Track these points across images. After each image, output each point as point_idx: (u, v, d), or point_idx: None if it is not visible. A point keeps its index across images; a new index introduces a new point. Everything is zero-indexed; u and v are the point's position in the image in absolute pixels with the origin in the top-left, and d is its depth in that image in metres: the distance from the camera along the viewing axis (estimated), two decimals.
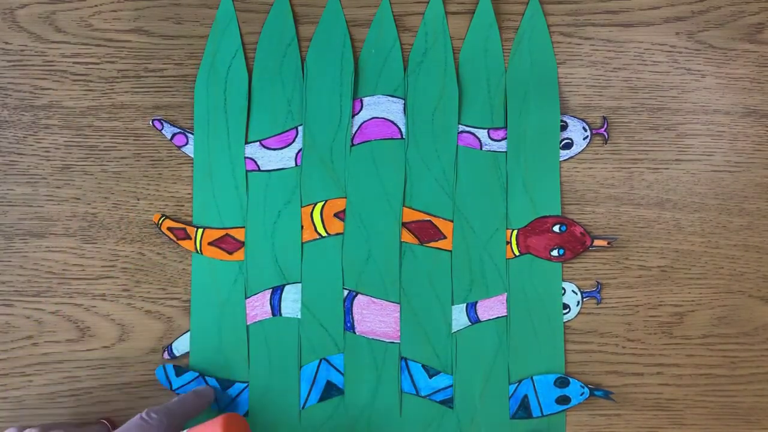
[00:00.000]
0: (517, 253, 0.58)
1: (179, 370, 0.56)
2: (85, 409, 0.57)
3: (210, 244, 0.57)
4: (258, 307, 0.57)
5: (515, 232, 0.58)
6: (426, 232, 0.58)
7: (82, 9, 0.59)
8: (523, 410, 0.57)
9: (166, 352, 0.57)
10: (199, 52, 0.59)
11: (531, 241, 0.58)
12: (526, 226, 0.58)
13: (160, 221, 0.57)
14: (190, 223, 0.58)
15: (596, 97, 0.59)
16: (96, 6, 0.59)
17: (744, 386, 0.59)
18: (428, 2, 0.59)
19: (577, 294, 0.58)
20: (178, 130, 0.58)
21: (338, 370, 0.57)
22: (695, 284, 0.59)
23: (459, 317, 0.57)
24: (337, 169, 0.58)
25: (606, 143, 0.59)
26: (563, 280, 0.58)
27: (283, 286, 0.57)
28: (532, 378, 0.57)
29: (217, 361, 0.57)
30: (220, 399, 0.56)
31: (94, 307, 0.58)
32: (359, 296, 0.57)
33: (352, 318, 0.57)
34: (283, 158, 0.58)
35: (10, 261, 0.58)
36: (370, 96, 0.59)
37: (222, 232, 0.58)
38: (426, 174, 0.58)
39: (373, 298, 0.57)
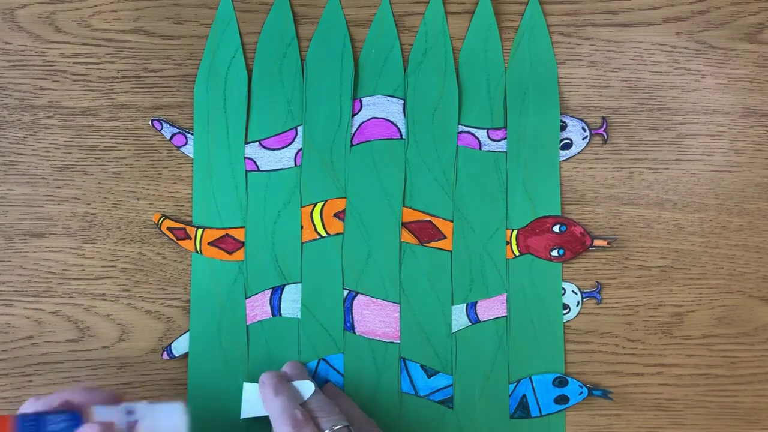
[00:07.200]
0: (517, 254, 0.58)
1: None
2: None
3: (210, 244, 0.57)
4: (258, 307, 0.57)
5: (515, 232, 0.58)
6: (426, 232, 0.58)
7: (82, 9, 0.59)
8: (522, 410, 0.57)
9: (165, 352, 0.57)
10: (199, 52, 0.59)
11: (531, 242, 0.58)
12: (526, 227, 0.58)
13: (160, 221, 0.57)
14: (189, 223, 0.58)
15: (596, 97, 0.59)
16: (96, 6, 0.59)
17: (744, 386, 0.58)
18: (428, 2, 0.59)
19: (577, 294, 0.58)
20: (178, 130, 0.58)
21: (337, 371, 0.57)
22: (695, 284, 0.59)
23: (459, 317, 0.57)
24: (336, 169, 0.58)
25: (605, 143, 0.59)
26: (563, 280, 0.58)
27: (283, 286, 0.57)
28: (530, 378, 0.57)
29: (217, 361, 0.57)
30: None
31: (94, 307, 0.58)
32: (359, 296, 0.57)
33: (352, 318, 0.57)
34: (282, 158, 0.58)
35: (10, 261, 0.58)
36: (369, 96, 0.59)
37: (222, 232, 0.57)
38: (426, 174, 0.58)
39: (373, 299, 0.57)
